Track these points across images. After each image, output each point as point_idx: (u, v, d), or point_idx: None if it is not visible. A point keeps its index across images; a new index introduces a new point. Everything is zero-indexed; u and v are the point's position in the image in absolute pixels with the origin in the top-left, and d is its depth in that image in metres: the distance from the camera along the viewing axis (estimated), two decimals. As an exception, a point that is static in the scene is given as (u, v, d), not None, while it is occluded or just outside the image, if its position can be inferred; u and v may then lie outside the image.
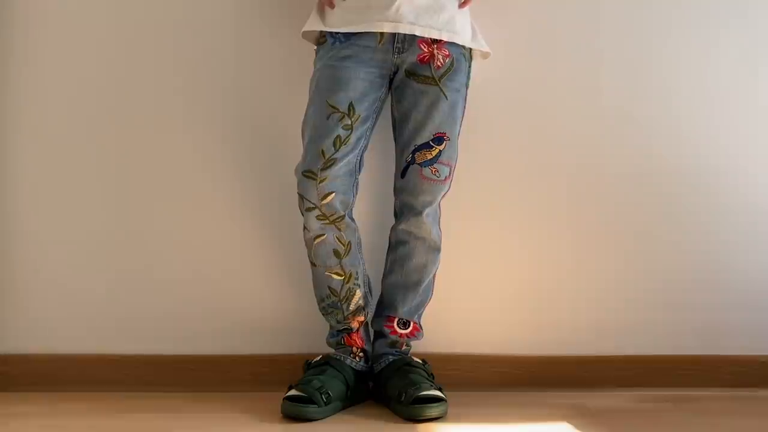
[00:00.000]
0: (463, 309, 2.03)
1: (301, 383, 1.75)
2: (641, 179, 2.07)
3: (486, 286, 2.04)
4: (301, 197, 1.80)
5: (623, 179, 2.06)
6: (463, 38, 1.84)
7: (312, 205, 1.79)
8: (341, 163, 1.78)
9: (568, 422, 1.71)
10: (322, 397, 1.71)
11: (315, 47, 1.88)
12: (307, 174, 1.78)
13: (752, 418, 1.81)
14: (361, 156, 1.84)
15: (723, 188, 2.08)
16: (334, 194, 1.79)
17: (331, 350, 1.89)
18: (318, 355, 1.88)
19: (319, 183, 1.77)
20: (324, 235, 1.82)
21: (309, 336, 1.99)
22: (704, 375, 2.03)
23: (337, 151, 1.78)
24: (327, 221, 1.81)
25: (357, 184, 1.85)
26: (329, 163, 1.77)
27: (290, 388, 1.75)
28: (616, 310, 2.05)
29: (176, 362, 1.99)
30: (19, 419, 1.73)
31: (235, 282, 2.03)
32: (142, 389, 1.95)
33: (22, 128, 2.02)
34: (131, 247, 2.03)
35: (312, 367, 1.84)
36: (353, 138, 1.79)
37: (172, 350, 2.00)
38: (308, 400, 1.70)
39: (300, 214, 1.83)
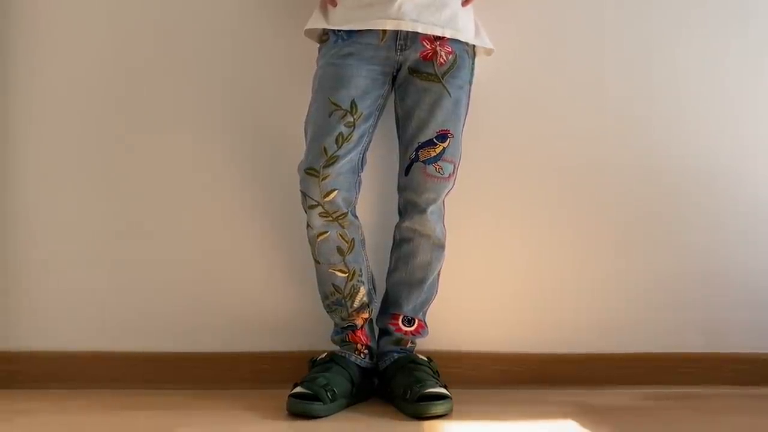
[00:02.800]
0: (467, 307, 2.03)
1: (307, 380, 1.75)
2: (644, 178, 2.07)
3: (489, 284, 2.04)
4: (304, 195, 1.80)
5: (626, 178, 2.07)
6: (466, 35, 1.84)
7: (315, 203, 1.79)
8: (343, 161, 1.79)
9: (571, 420, 1.71)
10: (327, 395, 1.71)
11: (318, 45, 1.89)
12: (309, 171, 1.78)
13: (755, 415, 1.81)
14: (364, 153, 1.84)
15: (725, 187, 2.08)
16: (336, 191, 1.79)
17: (336, 347, 1.89)
18: (321, 352, 1.88)
19: (322, 180, 1.77)
20: (327, 232, 1.82)
21: (312, 333, 1.99)
22: (707, 373, 2.04)
23: (340, 148, 1.78)
24: (330, 218, 1.81)
25: (360, 181, 1.85)
26: (332, 161, 1.77)
27: (295, 386, 1.75)
28: (618, 308, 2.06)
29: (179, 360, 1.99)
30: (24, 416, 1.73)
31: (237, 279, 2.03)
32: (144, 387, 1.95)
33: (25, 128, 2.01)
34: (133, 246, 2.02)
35: (317, 364, 1.84)
36: (355, 135, 1.79)
37: (174, 348, 2.00)
38: (313, 398, 1.70)
39: (302, 211, 1.83)
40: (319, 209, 1.79)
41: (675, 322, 2.06)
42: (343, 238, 1.83)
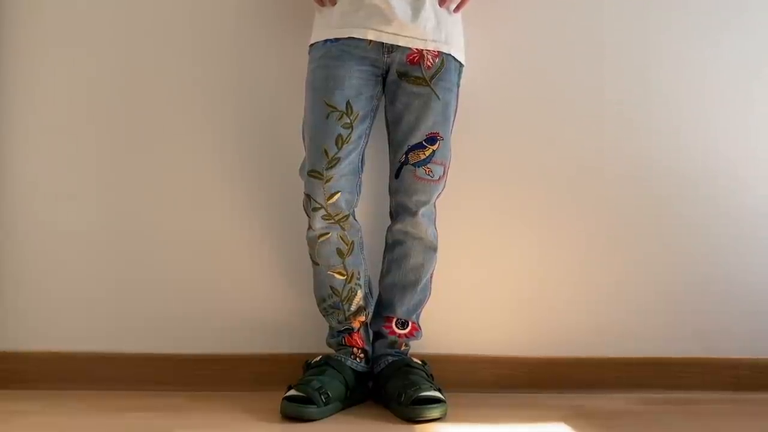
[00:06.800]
0: (463, 310, 2.03)
1: (301, 383, 1.75)
2: (641, 182, 2.07)
3: (485, 287, 2.04)
4: (308, 197, 1.81)
5: (623, 182, 2.06)
6: (449, 46, 1.84)
7: (318, 205, 1.80)
8: (345, 162, 1.79)
9: (566, 423, 1.71)
10: (321, 398, 1.71)
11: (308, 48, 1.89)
12: (312, 174, 1.79)
13: (752, 421, 1.81)
14: (363, 155, 1.85)
15: (724, 192, 2.08)
16: (340, 193, 1.80)
17: (331, 350, 1.89)
18: (318, 355, 1.89)
19: (326, 182, 1.78)
20: (328, 234, 1.83)
21: (309, 336, 1.99)
22: (705, 378, 2.03)
23: (340, 150, 1.78)
24: (332, 221, 1.82)
25: (360, 183, 1.86)
26: (333, 162, 1.78)
27: (289, 389, 1.75)
28: (615, 312, 2.05)
29: (176, 361, 2.00)
30: (21, 416, 1.73)
31: (235, 281, 2.03)
32: (142, 388, 1.95)
33: (22, 128, 2.02)
34: (132, 247, 2.03)
35: (312, 367, 1.84)
36: (354, 136, 1.80)
37: (172, 349, 2.00)
38: (307, 401, 1.71)
39: (300, 213, 1.84)
40: (322, 212, 1.80)
41: (673, 327, 2.06)
42: (344, 240, 1.84)
